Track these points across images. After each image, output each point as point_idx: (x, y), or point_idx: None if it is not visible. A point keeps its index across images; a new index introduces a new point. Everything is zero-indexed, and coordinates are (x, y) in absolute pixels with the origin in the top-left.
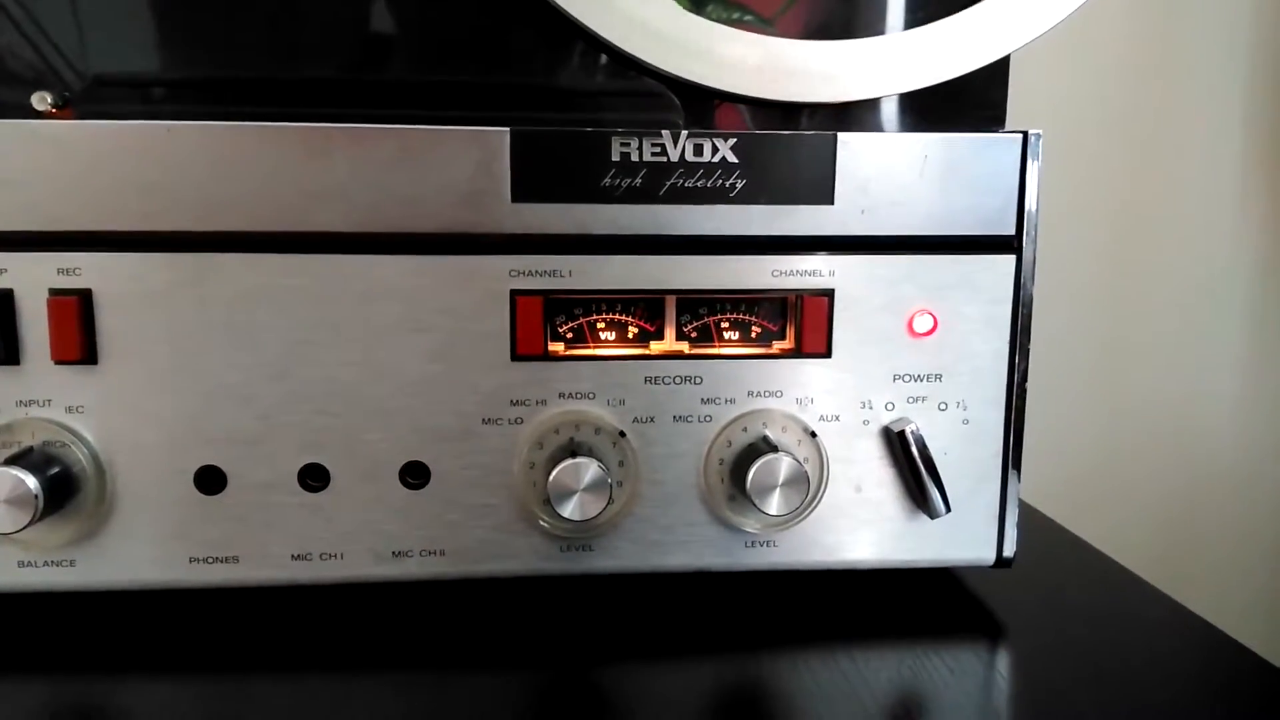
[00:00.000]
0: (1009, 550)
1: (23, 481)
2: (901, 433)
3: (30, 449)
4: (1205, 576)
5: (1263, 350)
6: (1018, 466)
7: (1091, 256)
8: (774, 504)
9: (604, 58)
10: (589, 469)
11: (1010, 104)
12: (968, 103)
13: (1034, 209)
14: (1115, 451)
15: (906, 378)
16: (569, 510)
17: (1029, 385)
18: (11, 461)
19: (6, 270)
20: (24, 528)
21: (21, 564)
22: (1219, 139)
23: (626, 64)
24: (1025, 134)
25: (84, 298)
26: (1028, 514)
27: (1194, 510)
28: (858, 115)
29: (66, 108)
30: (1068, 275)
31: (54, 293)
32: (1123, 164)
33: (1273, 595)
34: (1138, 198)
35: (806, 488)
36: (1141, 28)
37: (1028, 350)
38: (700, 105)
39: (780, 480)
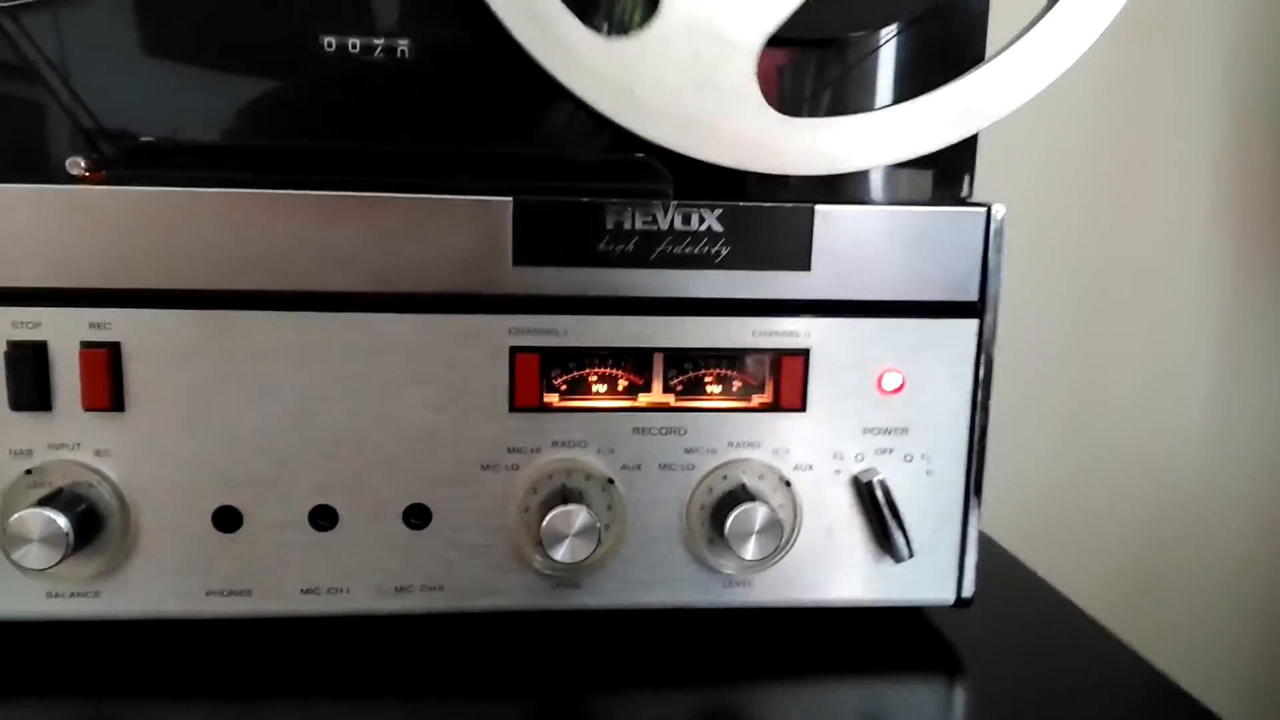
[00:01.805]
0: (968, 591)
1: (54, 521)
2: (869, 483)
3: (60, 490)
4: (1172, 604)
5: (1227, 388)
6: (977, 514)
7: (1064, 296)
8: (750, 549)
9: (599, 129)
10: (579, 516)
11: (984, 147)
12: (939, 172)
13: (996, 277)
14: (1085, 485)
15: (875, 431)
16: (560, 554)
17: (1006, 421)
18: (44, 502)
19: (41, 324)
20: (56, 564)
21: (50, 595)
22: (1187, 189)
23: (620, 135)
24: (988, 209)
25: (113, 350)
26: (994, 551)
27: (1160, 541)
28: (836, 181)
29: (99, 171)
30: (1041, 312)
31: (85, 345)
32: (1094, 212)
33: (1235, 625)
34: (1109, 243)
35: (780, 534)
36: (1114, 79)
37: (988, 407)
38: (688, 172)
39: (756, 527)
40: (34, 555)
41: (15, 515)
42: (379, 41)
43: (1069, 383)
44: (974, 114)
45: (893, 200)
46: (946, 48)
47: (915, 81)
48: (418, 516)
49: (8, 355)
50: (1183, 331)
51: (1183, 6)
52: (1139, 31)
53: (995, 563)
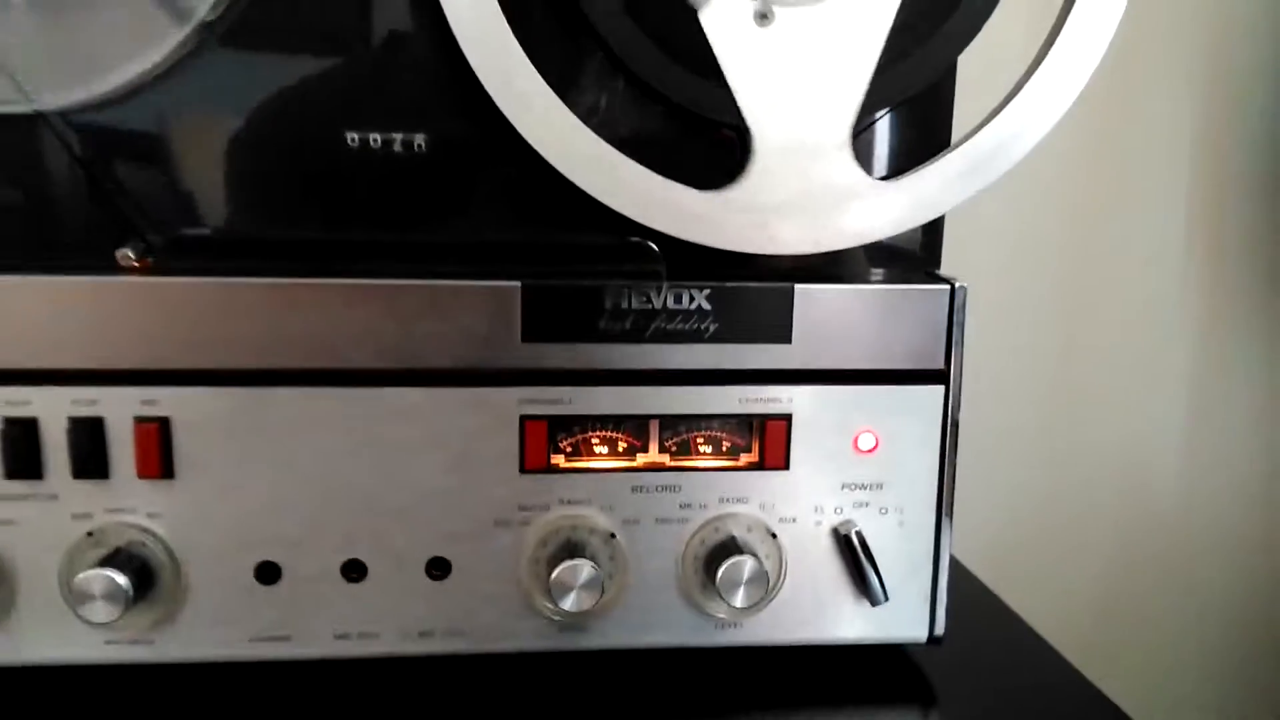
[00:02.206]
0: (939, 630)
1: (114, 580)
2: (847, 534)
3: (118, 550)
4: (1145, 623)
5: (1202, 408)
6: (947, 559)
7: (1041, 323)
8: (739, 598)
9: (596, 213)
10: (584, 570)
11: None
12: (907, 249)
13: (960, 347)
14: (1061, 503)
15: (852, 486)
16: (568, 604)
17: (988, 441)
18: (105, 562)
19: (98, 401)
20: (117, 619)
21: (108, 642)
22: (1163, 222)
23: (619, 222)
24: (952, 286)
25: (163, 424)
26: (968, 581)
27: (1135, 560)
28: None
29: (146, 260)
30: (1021, 340)
31: (138, 420)
32: (1072, 247)
33: (1209, 644)
34: (1087, 275)
35: (767, 583)
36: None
37: (955, 463)
38: (680, 252)
39: (745, 578)
40: (98, 611)
41: (80, 575)
42: (397, 136)
43: (1048, 403)
44: (936, 203)
45: (871, 264)
46: (918, 133)
47: (889, 165)
48: (439, 568)
49: (69, 431)
50: (1159, 355)
51: (1155, 57)
52: (1115, 74)
53: (969, 591)
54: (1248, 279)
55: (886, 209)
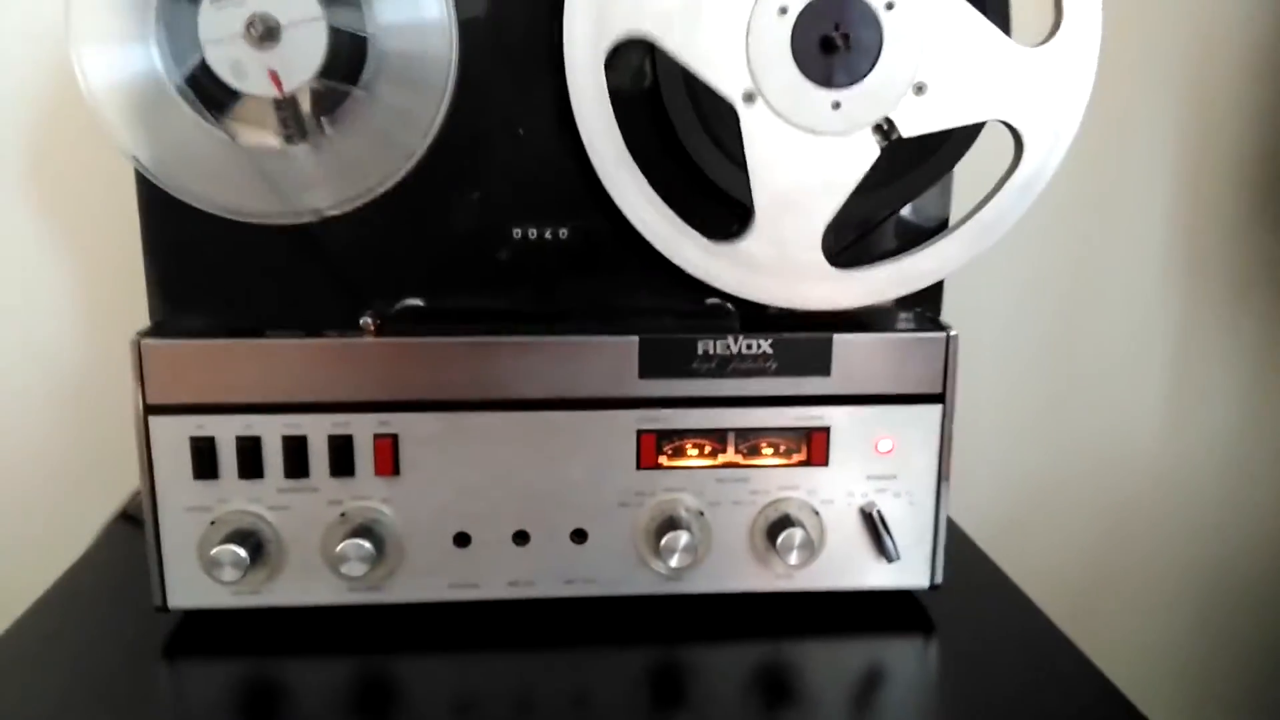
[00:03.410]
0: (938, 579)
1: (362, 546)
2: (870, 512)
3: (361, 526)
4: (1125, 584)
5: (1180, 395)
6: (944, 529)
7: (1038, 326)
8: (793, 558)
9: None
10: (683, 538)
11: None
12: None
13: (954, 376)
14: (1054, 478)
15: (874, 477)
16: (673, 562)
17: (989, 422)
18: (353, 534)
19: (349, 424)
20: (364, 575)
21: (351, 589)
22: (1144, 239)
23: (705, 290)
24: (947, 333)
25: (394, 439)
26: (967, 546)
27: (1117, 527)
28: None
29: (379, 323)
30: (1018, 334)
31: (377, 436)
32: (1066, 262)
33: (1181, 607)
34: (1079, 285)
35: (812, 548)
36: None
37: (950, 459)
38: (750, 309)
39: (796, 544)
40: (353, 568)
41: (340, 546)
42: (549, 230)
43: (1043, 390)
44: (884, 291)
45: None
46: (923, 218)
47: (898, 243)
48: (579, 537)
49: (329, 444)
50: (1141, 353)
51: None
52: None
53: (967, 554)
54: (1218, 289)
55: (845, 291)
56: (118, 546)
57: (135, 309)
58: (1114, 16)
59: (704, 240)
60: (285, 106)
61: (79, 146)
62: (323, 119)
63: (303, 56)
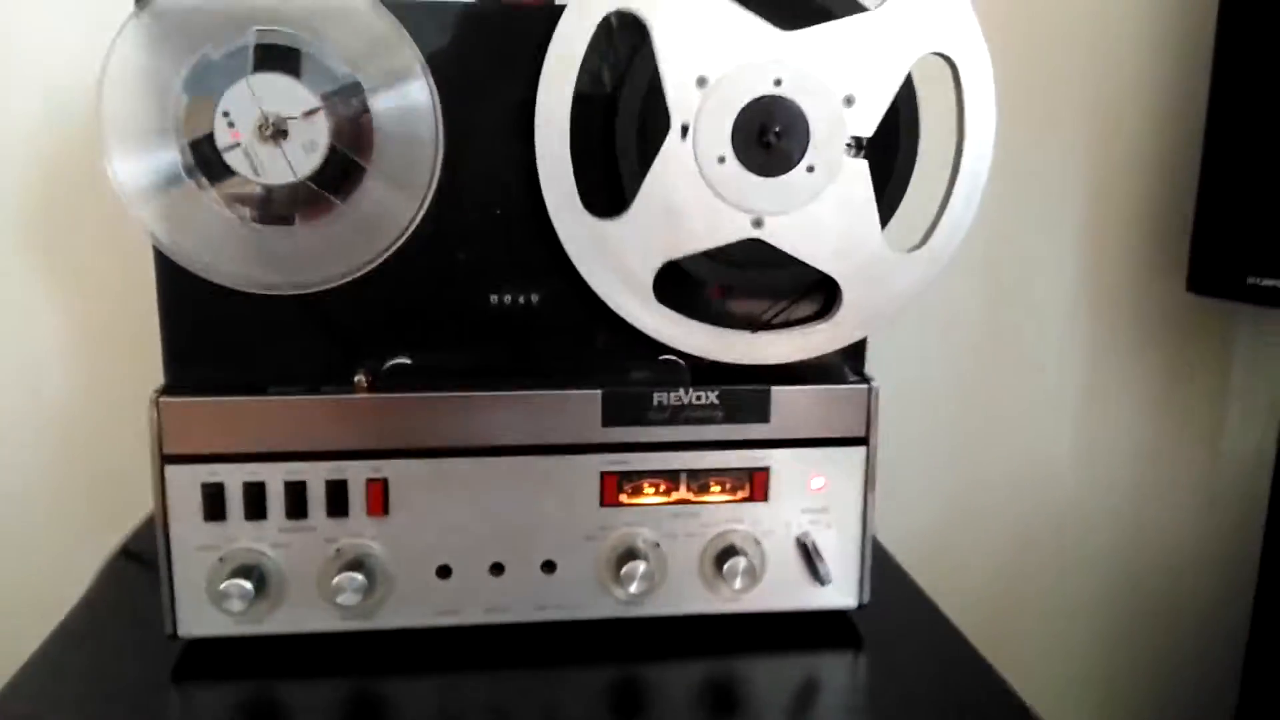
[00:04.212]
0: (865, 599)
1: (355, 578)
2: (804, 541)
3: (354, 560)
4: (1037, 598)
5: (1089, 426)
6: (870, 556)
7: (959, 361)
8: (738, 583)
9: (645, 343)
10: (640, 567)
11: None
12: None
13: (876, 421)
14: (971, 502)
15: (808, 511)
16: (631, 589)
17: (910, 450)
18: (346, 568)
19: (345, 469)
20: (357, 604)
21: (344, 618)
22: (1055, 274)
23: (662, 349)
24: (869, 385)
25: (385, 482)
26: (893, 569)
27: (1033, 550)
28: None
29: (372, 380)
30: (939, 370)
31: (369, 480)
32: (984, 304)
33: (1088, 621)
34: (991, 321)
35: (755, 574)
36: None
37: (874, 495)
38: (700, 366)
39: (741, 571)
40: (346, 598)
41: (335, 579)
42: (521, 296)
43: (961, 421)
44: (810, 348)
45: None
46: None
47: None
48: (549, 568)
49: (326, 488)
50: (1053, 386)
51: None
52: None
53: (893, 575)
54: (1123, 331)
55: (772, 351)
56: (122, 580)
57: (132, 360)
58: (1023, 74)
59: (658, 305)
60: (294, 191)
61: (84, 208)
62: (328, 198)
63: (309, 148)
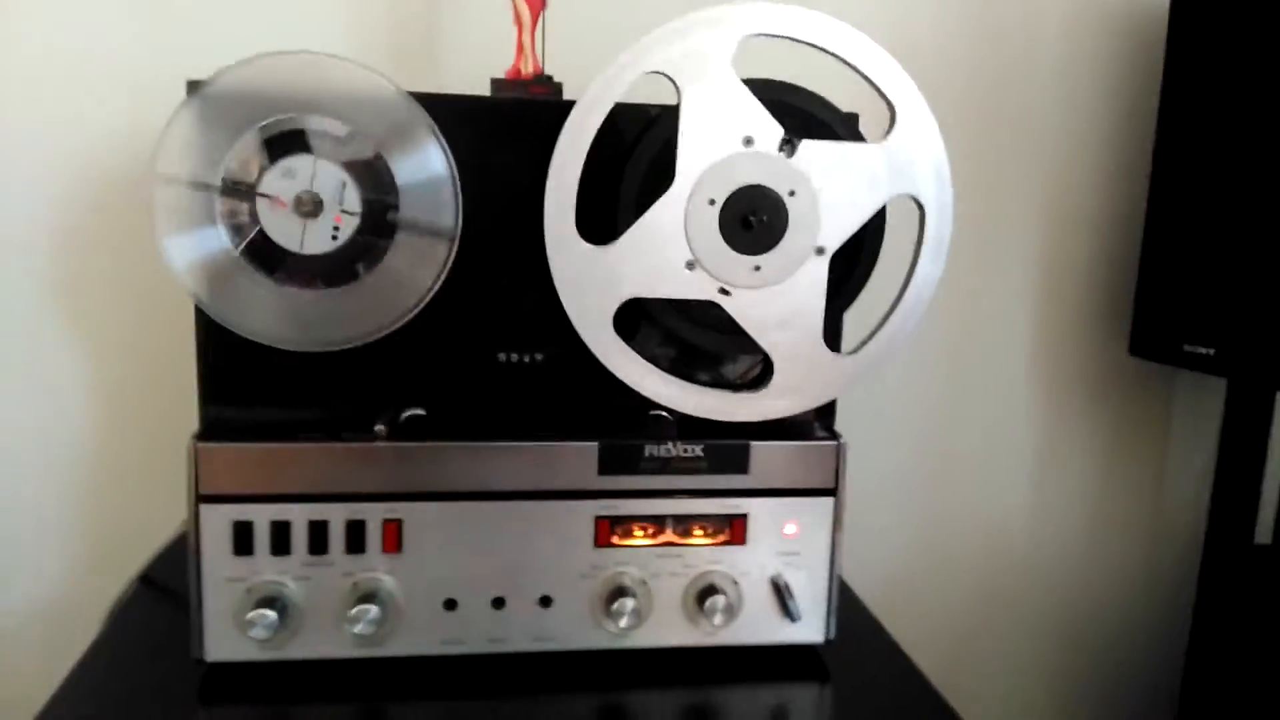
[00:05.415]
0: (832, 635)
1: (370, 610)
2: (777, 582)
3: (369, 593)
4: (992, 636)
5: (1040, 485)
6: (836, 595)
7: (918, 414)
8: (717, 619)
9: (637, 398)
10: (630, 603)
11: None
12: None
13: (844, 474)
14: (933, 547)
15: (782, 554)
16: (623, 623)
17: (878, 498)
18: (362, 600)
19: (363, 511)
20: (372, 633)
21: (358, 645)
22: (1011, 334)
23: (655, 407)
24: (839, 442)
25: (399, 523)
26: (858, 609)
27: (991, 589)
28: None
29: (391, 429)
30: (903, 423)
31: (385, 520)
32: (940, 357)
33: (1044, 656)
34: (951, 378)
35: (732, 611)
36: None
37: (840, 542)
38: (686, 422)
39: (720, 608)
40: (362, 628)
41: (352, 610)
42: (526, 355)
43: (924, 471)
44: (781, 408)
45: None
46: None
47: None
48: (546, 603)
49: (346, 528)
50: (1010, 436)
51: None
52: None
53: (856, 615)
54: (1075, 388)
55: (745, 411)
56: (143, 607)
57: (141, 402)
58: (981, 145)
59: (651, 368)
60: (326, 261)
61: (103, 250)
62: (354, 268)
63: (342, 223)
